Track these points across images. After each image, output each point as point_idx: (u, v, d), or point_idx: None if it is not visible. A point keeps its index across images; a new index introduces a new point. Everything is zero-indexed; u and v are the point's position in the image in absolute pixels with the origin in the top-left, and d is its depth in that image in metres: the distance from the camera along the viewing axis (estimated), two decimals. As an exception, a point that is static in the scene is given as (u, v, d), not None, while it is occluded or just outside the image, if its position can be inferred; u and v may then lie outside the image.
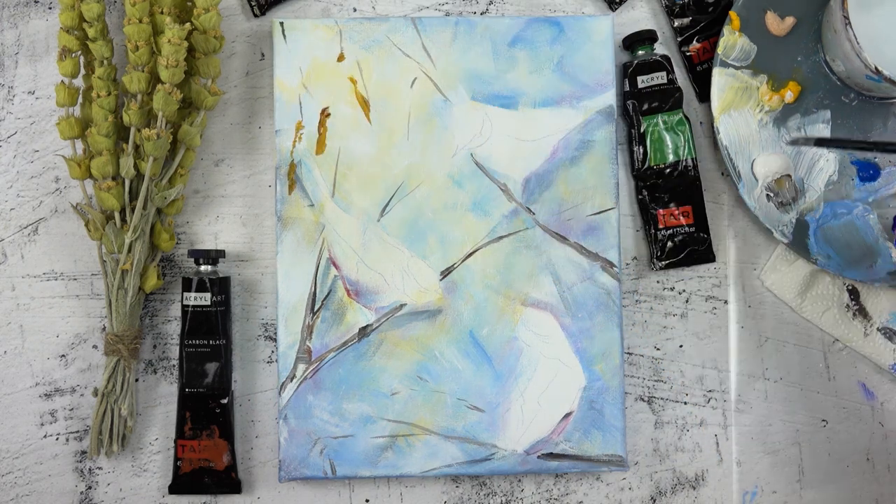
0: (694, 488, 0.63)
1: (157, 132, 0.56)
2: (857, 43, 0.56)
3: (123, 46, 0.58)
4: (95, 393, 0.59)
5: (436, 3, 0.64)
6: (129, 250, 0.58)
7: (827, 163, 0.62)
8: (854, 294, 0.64)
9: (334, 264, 0.60)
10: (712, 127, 0.62)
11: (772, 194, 0.62)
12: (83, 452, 0.61)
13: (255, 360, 0.62)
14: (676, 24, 0.64)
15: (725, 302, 0.63)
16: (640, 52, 0.62)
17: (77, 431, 0.61)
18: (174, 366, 0.62)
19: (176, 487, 0.60)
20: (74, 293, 0.62)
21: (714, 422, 0.63)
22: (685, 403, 0.63)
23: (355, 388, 0.59)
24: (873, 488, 0.63)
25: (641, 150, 0.62)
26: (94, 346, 0.62)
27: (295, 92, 0.60)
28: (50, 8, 0.63)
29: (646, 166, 0.62)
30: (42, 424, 0.61)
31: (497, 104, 0.61)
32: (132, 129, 0.57)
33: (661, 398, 0.63)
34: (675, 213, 0.62)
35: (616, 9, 0.64)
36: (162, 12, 0.57)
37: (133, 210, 0.58)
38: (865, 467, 0.63)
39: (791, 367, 0.63)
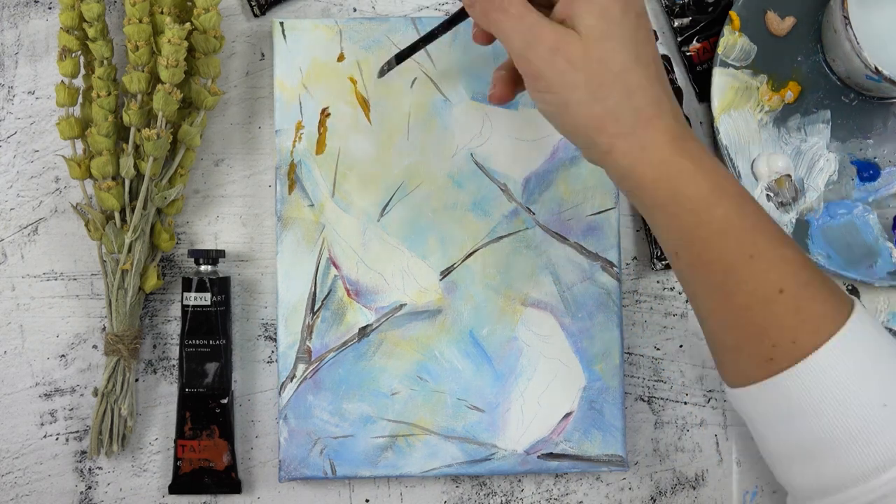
0: (694, 488, 0.63)
1: (157, 132, 0.56)
2: (857, 43, 0.56)
3: (123, 46, 0.58)
4: (95, 393, 0.59)
5: (436, 3, 0.64)
6: (129, 250, 0.58)
7: (827, 163, 0.62)
8: (854, 294, 0.64)
9: (334, 264, 0.60)
10: (712, 127, 0.62)
11: (772, 194, 0.62)
12: (83, 452, 0.61)
13: (255, 360, 0.62)
14: (676, 24, 0.64)
15: (725, 302, 0.63)
16: (640, 52, 0.62)
17: (77, 431, 0.61)
18: (174, 366, 0.62)
19: (176, 487, 0.60)
20: (74, 293, 0.62)
21: (714, 422, 0.63)
22: (685, 403, 0.63)
23: (355, 388, 0.59)
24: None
25: (641, 150, 0.62)
26: (94, 346, 0.62)
27: (295, 92, 0.60)
28: (50, 8, 0.63)
29: (646, 166, 0.62)
30: (42, 424, 0.61)
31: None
32: (132, 129, 0.57)
33: (661, 398, 0.63)
34: (675, 213, 0.62)
35: (616, 9, 0.64)
36: (162, 12, 0.57)
37: (133, 210, 0.58)
38: (865, 467, 0.63)
39: (791, 367, 0.63)
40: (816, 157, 0.63)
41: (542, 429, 0.60)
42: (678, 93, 0.62)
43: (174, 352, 0.62)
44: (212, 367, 0.59)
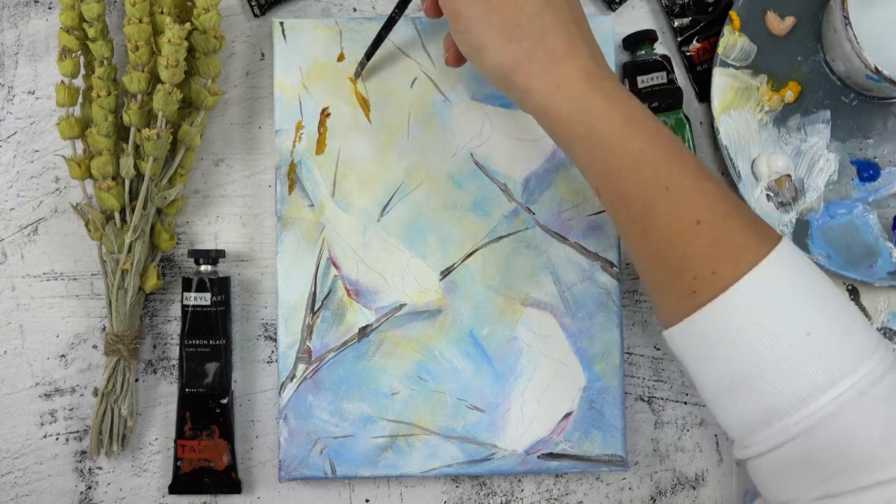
0: (694, 488, 0.63)
1: (157, 132, 0.56)
2: (857, 43, 0.56)
3: (123, 46, 0.58)
4: (95, 393, 0.59)
5: (436, 3, 0.64)
6: (129, 250, 0.58)
7: (827, 163, 0.62)
8: (854, 294, 0.64)
9: (334, 264, 0.60)
10: (712, 127, 0.62)
11: (772, 194, 0.62)
12: (83, 452, 0.61)
13: (255, 360, 0.62)
14: (676, 24, 0.64)
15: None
16: (640, 52, 0.62)
17: (77, 431, 0.61)
18: (174, 366, 0.62)
19: (176, 487, 0.60)
20: (74, 293, 0.62)
21: (714, 422, 0.63)
22: (685, 403, 0.63)
23: (355, 388, 0.59)
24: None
25: (641, 150, 0.62)
26: (94, 346, 0.62)
27: (295, 92, 0.60)
28: (50, 8, 0.63)
29: (646, 166, 0.62)
30: (42, 424, 0.61)
31: (497, 104, 0.61)
32: (132, 129, 0.57)
33: (661, 398, 0.63)
34: (675, 213, 0.62)
35: (616, 9, 0.64)
36: (162, 12, 0.57)
37: (133, 210, 0.58)
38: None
39: (791, 367, 0.63)
40: (816, 157, 0.63)
41: (542, 429, 0.60)
42: (678, 93, 0.62)
43: (174, 352, 0.62)
44: (212, 367, 0.59)
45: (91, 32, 0.56)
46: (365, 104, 0.61)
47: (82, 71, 0.59)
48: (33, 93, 0.62)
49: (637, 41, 0.62)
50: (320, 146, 0.60)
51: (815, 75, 0.62)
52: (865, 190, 0.63)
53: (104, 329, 0.61)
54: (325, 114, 0.61)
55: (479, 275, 0.60)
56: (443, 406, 0.59)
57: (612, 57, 0.61)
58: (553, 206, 0.61)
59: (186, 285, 0.59)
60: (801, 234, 0.61)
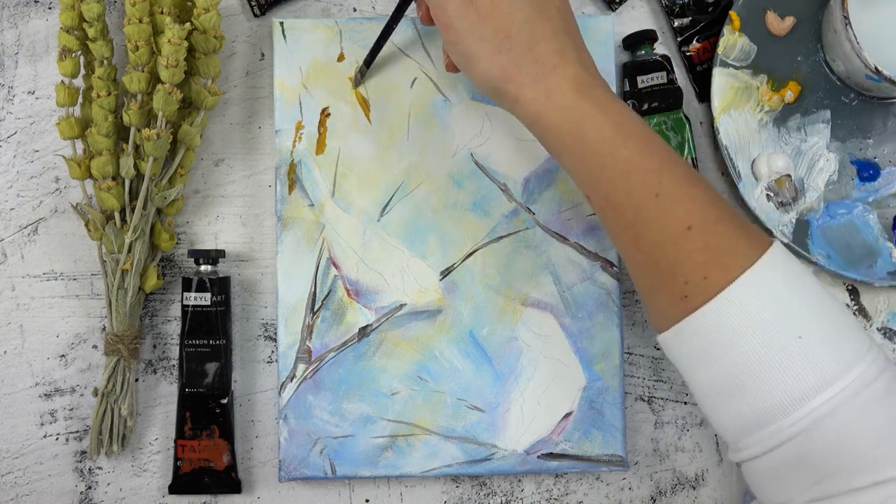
0: (694, 488, 0.63)
1: (157, 132, 0.56)
2: (857, 43, 0.56)
3: (123, 46, 0.58)
4: (95, 393, 0.59)
5: (436, 3, 0.64)
6: (129, 250, 0.58)
7: (827, 163, 0.62)
8: (854, 294, 0.64)
9: (334, 264, 0.60)
10: (712, 127, 0.62)
11: (772, 194, 0.62)
12: (83, 452, 0.61)
13: (255, 360, 0.62)
14: (676, 24, 0.64)
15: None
16: (640, 52, 0.62)
17: (77, 431, 0.61)
18: (174, 366, 0.62)
19: (176, 487, 0.60)
20: (74, 293, 0.62)
21: (714, 422, 0.63)
22: (685, 403, 0.63)
23: (355, 388, 0.59)
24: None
25: (641, 150, 0.62)
26: (94, 346, 0.62)
27: (295, 92, 0.60)
28: (50, 8, 0.63)
29: (646, 166, 0.62)
30: (42, 424, 0.61)
31: (497, 104, 0.61)
32: (132, 129, 0.57)
33: (661, 398, 0.63)
34: (675, 213, 0.62)
35: (616, 9, 0.64)
36: (162, 12, 0.57)
37: (133, 210, 0.58)
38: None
39: (791, 367, 0.63)
40: (816, 156, 0.63)
41: (542, 429, 0.60)
42: (678, 93, 0.62)
43: (174, 352, 0.62)
44: (212, 367, 0.59)
45: (91, 32, 0.56)
46: (365, 104, 0.61)
47: (82, 71, 0.59)
48: (33, 93, 0.62)
49: (637, 41, 0.62)
50: (320, 146, 0.60)
51: (815, 75, 0.62)
52: (865, 190, 0.63)
53: (104, 329, 0.61)
54: (325, 114, 0.61)
55: (479, 275, 0.60)
56: (443, 406, 0.59)
57: (612, 57, 0.61)
58: (553, 206, 0.61)
59: (186, 285, 0.59)
60: (801, 234, 0.61)
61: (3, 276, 0.62)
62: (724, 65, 0.62)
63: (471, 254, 0.60)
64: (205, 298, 0.59)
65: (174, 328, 0.62)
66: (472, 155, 0.61)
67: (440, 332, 0.60)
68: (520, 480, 0.62)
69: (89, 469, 0.61)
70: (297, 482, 0.61)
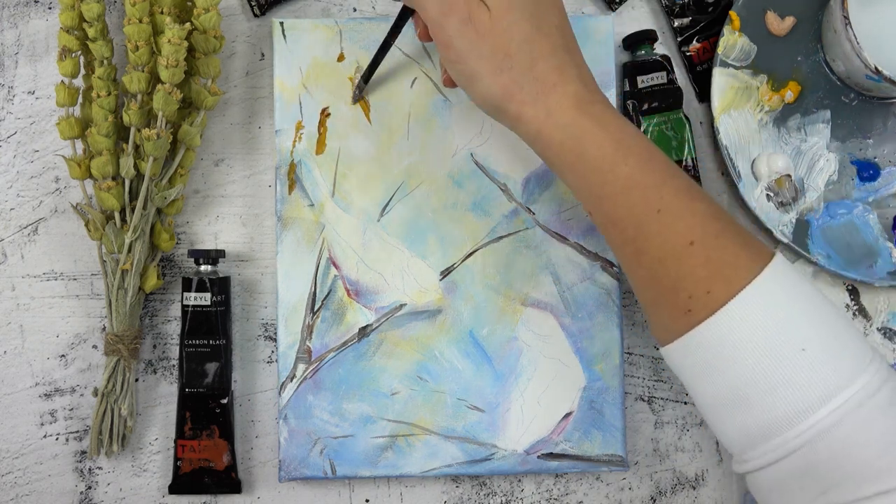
0: (694, 488, 0.63)
1: (157, 132, 0.56)
2: (857, 43, 0.56)
3: (123, 46, 0.58)
4: (95, 393, 0.59)
5: (436, 3, 0.64)
6: (129, 250, 0.58)
7: (827, 163, 0.62)
8: (854, 294, 0.64)
9: (334, 264, 0.60)
10: (712, 127, 0.62)
11: (772, 194, 0.62)
12: (83, 452, 0.61)
13: (255, 360, 0.62)
14: (676, 24, 0.64)
15: (725, 302, 0.63)
16: (640, 52, 0.62)
17: (77, 431, 0.61)
18: (174, 366, 0.62)
19: (176, 487, 0.60)
20: (74, 293, 0.62)
21: (714, 422, 0.63)
22: (685, 403, 0.63)
23: (355, 388, 0.59)
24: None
25: (641, 150, 0.62)
26: (94, 346, 0.62)
27: (295, 92, 0.60)
28: (50, 8, 0.63)
29: (646, 166, 0.62)
30: (42, 424, 0.61)
31: (497, 104, 0.61)
32: (132, 129, 0.57)
33: (661, 398, 0.63)
34: (675, 213, 0.62)
35: (616, 9, 0.64)
36: (162, 12, 0.57)
37: (133, 210, 0.58)
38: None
39: (791, 367, 0.63)
40: (816, 156, 0.63)
41: (542, 429, 0.60)
42: (678, 93, 0.62)
43: (174, 352, 0.62)
44: (212, 367, 0.59)
45: (91, 32, 0.56)
46: (365, 104, 0.61)
47: (82, 71, 0.59)
48: (33, 93, 0.62)
49: (637, 41, 0.62)
50: (320, 146, 0.60)
51: (815, 75, 0.62)
52: (865, 190, 0.63)
53: (104, 329, 0.61)
54: (325, 114, 0.61)
55: (479, 275, 0.60)
56: (443, 406, 0.59)
57: (612, 57, 0.61)
58: (553, 206, 0.61)
59: (186, 285, 0.59)
60: (801, 234, 0.61)
61: (3, 276, 0.62)
62: (724, 65, 0.62)
63: (471, 254, 0.60)
64: (205, 298, 0.59)
65: (174, 328, 0.62)
66: (472, 155, 0.61)
67: (440, 332, 0.60)
68: (520, 480, 0.62)
69: (89, 469, 0.61)
70: (297, 482, 0.61)
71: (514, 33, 0.46)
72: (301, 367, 0.59)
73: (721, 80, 0.62)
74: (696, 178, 0.62)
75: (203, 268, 0.60)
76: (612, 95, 0.61)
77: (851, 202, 0.62)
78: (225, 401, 0.59)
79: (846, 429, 0.42)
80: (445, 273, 0.60)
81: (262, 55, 0.63)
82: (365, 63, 0.60)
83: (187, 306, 0.59)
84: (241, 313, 0.62)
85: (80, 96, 0.59)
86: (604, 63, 0.61)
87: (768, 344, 0.43)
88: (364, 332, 0.60)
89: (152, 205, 0.58)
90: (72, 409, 0.61)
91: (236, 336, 0.62)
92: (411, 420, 0.59)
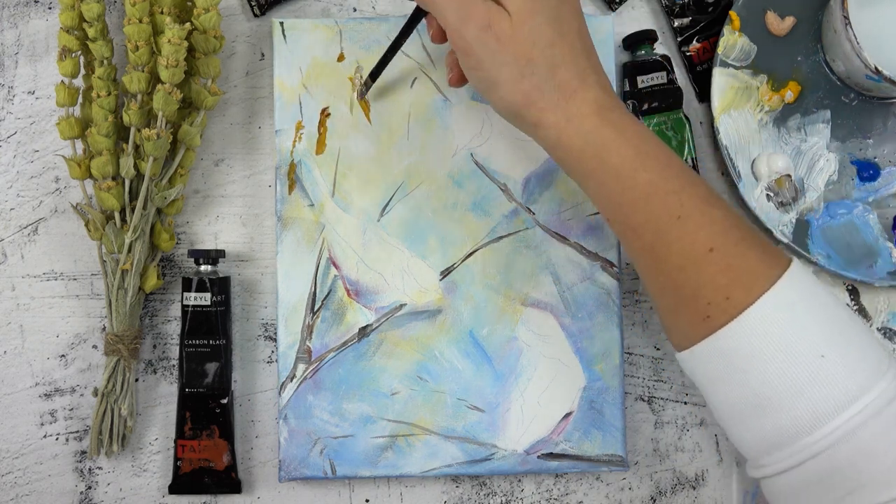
0: (694, 488, 0.63)
1: (157, 132, 0.56)
2: (857, 43, 0.56)
3: (123, 46, 0.58)
4: (95, 393, 0.59)
5: (436, 3, 0.64)
6: (129, 250, 0.58)
7: (827, 163, 0.62)
8: (854, 294, 0.64)
9: (334, 264, 0.60)
10: (712, 127, 0.62)
11: (772, 194, 0.62)
12: (83, 452, 0.61)
13: (255, 360, 0.62)
14: (676, 24, 0.64)
15: (725, 302, 0.63)
16: (640, 52, 0.62)
17: (77, 431, 0.61)
18: (174, 366, 0.62)
19: (176, 487, 0.60)
20: (74, 293, 0.62)
21: (714, 422, 0.63)
22: (685, 403, 0.63)
23: (355, 388, 0.59)
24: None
25: (641, 150, 0.62)
26: (94, 346, 0.62)
27: (295, 92, 0.60)
28: (50, 8, 0.63)
29: (646, 166, 0.62)
30: (42, 424, 0.61)
31: (497, 104, 0.61)
32: (132, 129, 0.57)
33: (661, 398, 0.63)
34: (675, 213, 0.62)
35: (616, 9, 0.64)
36: (162, 12, 0.57)
37: (133, 210, 0.58)
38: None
39: (791, 367, 0.63)
40: (816, 157, 0.63)
41: (542, 429, 0.60)
42: (678, 93, 0.62)
43: (174, 352, 0.62)
44: (212, 367, 0.59)
45: (91, 32, 0.56)
46: (365, 104, 0.61)
47: (82, 71, 0.59)
48: (33, 93, 0.62)
49: (637, 41, 0.62)
50: (320, 146, 0.60)
51: (815, 75, 0.62)
52: (865, 190, 0.63)
53: (104, 329, 0.61)
54: (325, 114, 0.61)
55: (479, 275, 0.60)
56: (443, 406, 0.59)
57: (612, 57, 0.61)
58: (553, 206, 0.61)
59: (186, 285, 0.59)
60: (801, 234, 0.61)
61: (3, 276, 0.62)
62: (724, 65, 0.62)
63: (471, 254, 0.60)
64: (205, 298, 0.59)
65: (174, 328, 0.62)
66: (472, 155, 0.61)
67: (440, 332, 0.60)
68: (520, 480, 0.62)
69: (89, 469, 0.61)
70: (297, 482, 0.61)
71: (537, 38, 0.45)
72: (301, 367, 0.59)
73: (721, 80, 0.62)
74: (696, 178, 0.62)
75: (203, 268, 0.60)
76: (612, 95, 0.61)
77: (851, 202, 0.62)
78: (225, 401, 0.59)
79: (864, 435, 0.42)
80: (445, 273, 0.60)
81: (262, 55, 0.63)
82: (365, 63, 0.60)
83: (187, 306, 0.59)
84: (241, 313, 0.62)
85: (80, 96, 0.59)
86: (604, 63, 0.60)
87: (787, 350, 0.43)
88: (364, 332, 0.60)
89: (152, 205, 0.59)
90: (72, 409, 0.61)
91: (236, 336, 0.62)
92: (411, 420, 0.59)
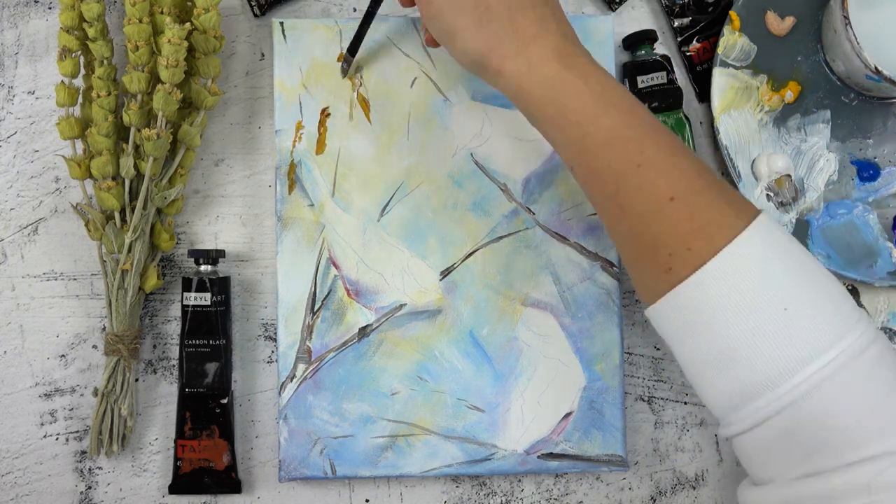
0: (694, 488, 0.63)
1: (157, 132, 0.56)
2: (857, 43, 0.56)
3: (123, 46, 0.58)
4: (95, 393, 0.59)
5: (436, 3, 0.64)
6: (129, 250, 0.58)
7: (827, 163, 0.62)
8: (854, 294, 0.64)
9: (334, 264, 0.60)
10: (712, 127, 0.62)
11: (772, 194, 0.62)
12: (83, 452, 0.61)
13: (255, 360, 0.62)
14: (676, 24, 0.64)
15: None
16: (640, 52, 0.62)
17: (77, 431, 0.61)
18: (174, 366, 0.62)
19: (176, 487, 0.60)
20: (74, 293, 0.62)
21: (714, 422, 0.63)
22: (685, 403, 0.63)
23: (355, 388, 0.59)
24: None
25: (641, 150, 0.62)
26: (94, 346, 0.62)
27: (295, 92, 0.60)
28: (50, 8, 0.63)
29: (646, 166, 0.62)
30: (42, 424, 0.61)
31: (497, 104, 0.61)
32: (132, 129, 0.57)
33: (661, 398, 0.63)
34: (675, 213, 0.62)
35: (616, 9, 0.64)
36: (162, 12, 0.57)
37: (133, 210, 0.58)
38: (865, 467, 0.63)
39: (791, 367, 0.63)
40: (816, 156, 0.63)
41: (542, 429, 0.60)
42: (678, 93, 0.62)
43: (174, 352, 0.62)
44: (212, 367, 0.59)
45: (91, 32, 0.56)
46: (365, 104, 0.61)
47: (82, 71, 0.59)
48: (33, 93, 0.62)
49: (637, 41, 0.62)
50: (320, 146, 0.60)
51: (815, 75, 0.62)
52: (865, 190, 0.63)
53: (104, 329, 0.61)
54: (325, 114, 0.61)
55: (479, 275, 0.60)
56: (443, 406, 0.59)
57: (612, 57, 0.61)
58: (553, 206, 0.61)
59: (186, 285, 0.59)
60: (801, 234, 0.61)
61: (3, 276, 0.62)
62: (724, 65, 0.62)
63: (471, 254, 0.60)
64: (205, 298, 0.59)
65: (174, 328, 0.62)
66: (472, 155, 0.61)
67: (440, 332, 0.60)
68: (520, 480, 0.62)
69: (89, 469, 0.61)
70: (297, 482, 0.61)
71: None
72: (301, 367, 0.59)
73: (721, 80, 0.62)
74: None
75: (203, 268, 0.60)
76: (612, 95, 0.61)
77: (851, 202, 0.62)
78: (225, 401, 0.59)
79: (828, 391, 0.40)
80: (445, 273, 0.60)
81: (262, 55, 0.63)
82: (365, 64, 0.61)
83: (187, 306, 0.59)
84: (241, 313, 0.62)
85: (80, 96, 0.59)
86: (604, 63, 0.60)
87: (750, 303, 0.42)
88: (364, 332, 0.60)
89: (152, 205, 0.59)
90: (72, 409, 0.61)
91: (236, 336, 0.62)
92: (411, 420, 0.59)
